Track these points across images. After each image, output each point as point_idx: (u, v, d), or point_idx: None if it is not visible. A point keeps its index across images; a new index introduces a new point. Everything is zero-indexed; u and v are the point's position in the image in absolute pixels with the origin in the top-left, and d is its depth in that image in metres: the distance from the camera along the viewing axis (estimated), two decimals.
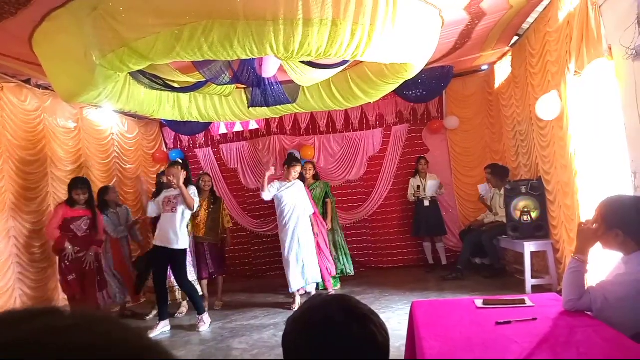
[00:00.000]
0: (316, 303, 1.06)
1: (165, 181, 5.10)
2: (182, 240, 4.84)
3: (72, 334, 0.39)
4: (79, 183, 5.01)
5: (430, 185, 6.75)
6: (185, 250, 4.95)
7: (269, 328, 4.76)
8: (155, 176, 6.45)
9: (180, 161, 5.07)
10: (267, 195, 5.44)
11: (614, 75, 3.36)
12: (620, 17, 3.17)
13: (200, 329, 4.84)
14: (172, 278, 5.11)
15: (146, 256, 5.54)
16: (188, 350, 4.30)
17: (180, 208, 4.85)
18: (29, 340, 0.37)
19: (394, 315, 4.71)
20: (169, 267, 4.94)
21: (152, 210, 5.11)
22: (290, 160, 5.77)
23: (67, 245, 4.81)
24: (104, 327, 0.42)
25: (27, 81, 5.30)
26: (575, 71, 3.92)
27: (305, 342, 0.98)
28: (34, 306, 0.44)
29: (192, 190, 4.92)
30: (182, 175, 4.79)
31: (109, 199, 5.64)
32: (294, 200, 5.51)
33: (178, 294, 5.66)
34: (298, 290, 5.52)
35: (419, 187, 6.88)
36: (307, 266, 5.45)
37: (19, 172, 5.10)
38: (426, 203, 6.80)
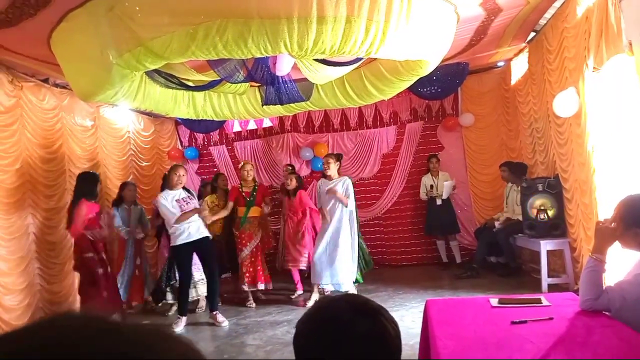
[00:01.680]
0: (325, 303, 1.06)
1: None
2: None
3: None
4: (97, 177, 5.18)
5: (446, 187, 6.68)
6: None
7: (282, 324, 4.78)
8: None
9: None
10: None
11: (635, 71, 3.29)
12: None
13: (222, 324, 4.91)
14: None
15: (169, 261, 5.54)
16: (202, 346, 4.33)
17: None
18: None
19: (408, 313, 4.69)
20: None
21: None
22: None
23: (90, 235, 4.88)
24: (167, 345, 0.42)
25: (46, 80, 5.39)
26: (593, 67, 3.85)
27: (315, 341, 0.99)
28: (89, 323, 0.41)
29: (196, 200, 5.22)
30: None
31: (125, 195, 5.71)
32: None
33: (194, 292, 5.66)
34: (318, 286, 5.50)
35: (431, 186, 6.83)
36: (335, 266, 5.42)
37: (37, 169, 5.20)
38: (438, 202, 6.75)
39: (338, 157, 5.79)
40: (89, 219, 4.85)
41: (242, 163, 5.98)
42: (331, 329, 0.98)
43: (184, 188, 5.07)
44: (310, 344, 1.00)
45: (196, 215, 4.99)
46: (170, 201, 4.90)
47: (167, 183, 5.16)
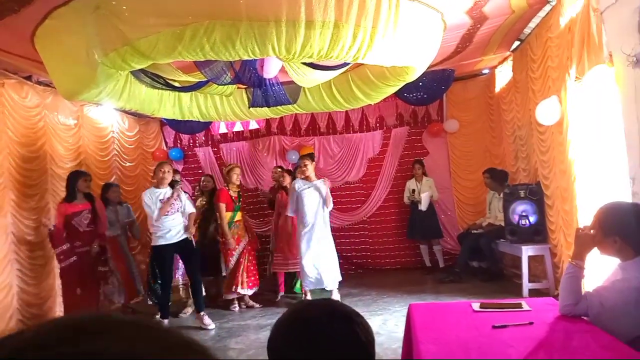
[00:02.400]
0: (299, 306, 1.07)
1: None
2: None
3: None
4: (84, 173, 5.17)
5: (423, 198, 6.71)
6: None
7: (266, 328, 4.76)
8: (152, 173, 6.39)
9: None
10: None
11: (615, 82, 3.37)
12: (622, 24, 3.18)
13: (209, 327, 4.88)
14: (177, 276, 5.27)
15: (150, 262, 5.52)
16: None
17: (181, 208, 5.04)
18: None
19: (391, 317, 4.71)
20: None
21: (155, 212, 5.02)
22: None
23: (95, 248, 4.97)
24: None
25: (28, 78, 5.30)
26: (575, 77, 3.93)
27: (288, 345, 0.99)
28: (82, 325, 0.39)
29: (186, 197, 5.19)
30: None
31: (109, 197, 5.67)
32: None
33: (182, 293, 5.61)
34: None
35: (414, 190, 6.89)
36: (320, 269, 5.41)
37: (18, 168, 5.10)
38: (422, 209, 6.78)
39: (312, 158, 5.82)
40: (65, 219, 4.89)
41: (231, 166, 5.91)
42: (303, 334, 0.98)
43: (171, 186, 5.03)
44: (283, 347, 1.00)
45: (179, 218, 4.96)
46: (154, 200, 4.88)
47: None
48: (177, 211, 4.99)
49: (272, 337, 1.03)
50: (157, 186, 4.97)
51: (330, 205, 5.55)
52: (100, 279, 5.07)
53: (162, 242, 4.87)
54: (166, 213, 4.86)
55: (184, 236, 4.99)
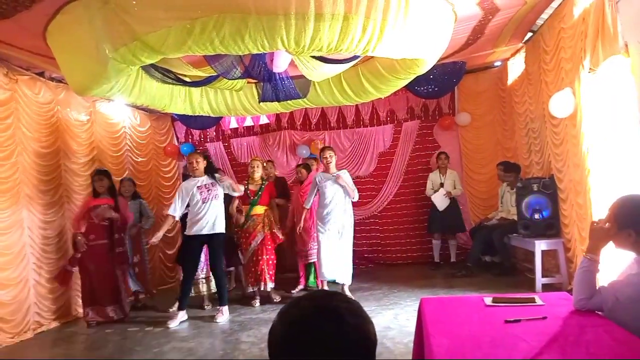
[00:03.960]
0: (294, 302, 1.06)
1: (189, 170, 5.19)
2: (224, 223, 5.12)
3: None
4: (97, 172, 5.36)
5: (437, 199, 6.66)
6: None
7: None
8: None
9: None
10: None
11: (630, 73, 3.31)
12: (637, 13, 3.11)
13: (218, 320, 4.92)
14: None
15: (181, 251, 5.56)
16: (197, 342, 4.34)
17: (221, 194, 5.08)
18: None
19: (403, 312, 4.70)
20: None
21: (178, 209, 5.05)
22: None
23: (78, 237, 5.09)
24: None
25: (41, 74, 5.36)
26: (590, 68, 3.86)
27: (282, 336, 0.99)
28: None
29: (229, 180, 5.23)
30: (203, 164, 5.08)
31: (122, 191, 5.82)
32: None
33: (202, 287, 5.59)
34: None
35: (441, 184, 6.81)
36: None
37: (32, 164, 5.17)
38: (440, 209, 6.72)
39: (333, 149, 5.80)
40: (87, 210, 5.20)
41: (251, 160, 5.91)
42: (293, 330, 0.98)
43: (209, 175, 5.07)
44: (279, 336, 1.00)
45: (214, 209, 4.98)
46: (184, 191, 5.00)
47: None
48: (215, 199, 4.99)
49: (272, 325, 1.04)
50: (194, 175, 5.07)
51: (356, 196, 5.49)
52: (115, 262, 5.23)
53: (193, 232, 4.95)
54: (202, 200, 4.94)
55: (217, 230, 5.00)
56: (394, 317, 4.55)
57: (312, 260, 5.88)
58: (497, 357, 1.70)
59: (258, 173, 5.65)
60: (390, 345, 3.80)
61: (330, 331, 0.96)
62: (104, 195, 5.26)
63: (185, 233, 5.13)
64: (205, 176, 5.08)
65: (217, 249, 5.06)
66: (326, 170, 5.49)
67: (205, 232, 4.95)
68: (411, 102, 7.55)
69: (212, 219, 4.98)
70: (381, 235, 7.61)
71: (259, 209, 5.59)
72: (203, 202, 4.95)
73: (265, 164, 6.34)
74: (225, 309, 5.07)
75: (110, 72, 3.57)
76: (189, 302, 5.18)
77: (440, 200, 6.69)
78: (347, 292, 5.34)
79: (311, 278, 5.97)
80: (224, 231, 5.09)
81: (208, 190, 4.99)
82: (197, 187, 4.99)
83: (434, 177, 6.93)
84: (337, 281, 5.44)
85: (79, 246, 5.06)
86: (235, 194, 5.25)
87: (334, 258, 5.35)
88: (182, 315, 5.01)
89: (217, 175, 5.17)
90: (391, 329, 4.21)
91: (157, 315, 5.38)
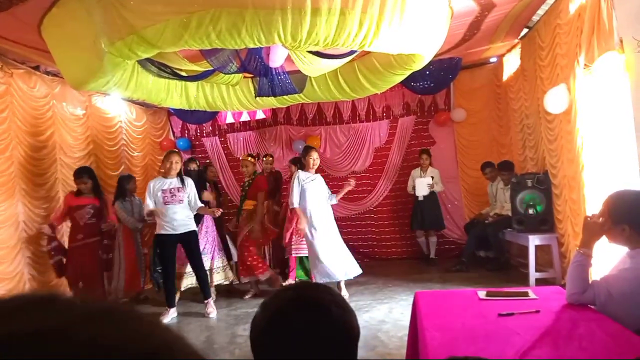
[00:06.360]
0: (278, 293, 1.07)
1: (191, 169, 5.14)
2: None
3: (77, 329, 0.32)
4: (78, 172, 5.09)
5: (419, 183, 6.70)
6: None
7: None
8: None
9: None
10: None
11: (624, 69, 3.33)
12: (633, 9, 3.13)
13: (210, 315, 4.92)
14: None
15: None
16: (192, 336, 4.35)
17: (186, 199, 4.91)
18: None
19: (397, 306, 4.73)
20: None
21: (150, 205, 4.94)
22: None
23: (44, 228, 4.92)
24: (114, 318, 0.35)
25: (36, 68, 5.33)
26: (585, 64, 3.88)
27: (264, 325, 0.99)
28: (32, 293, 0.35)
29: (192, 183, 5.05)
30: (179, 166, 4.97)
31: (130, 188, 5.68)
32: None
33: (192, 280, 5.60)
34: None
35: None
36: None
37: (28, 158, 5.15)
38: (420, 197, 6.72)
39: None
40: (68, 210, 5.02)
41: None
42: (276, 318, 0.98)
43: (180, 177, 4.95)
44: (260, 325, 1.01)
45: (183, 210, 4.86)
46: (153, 191, 4.84)
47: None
48: (179, 202, 4.84)
49: (250, 328, 1.03)
50: (165, 176, 4.90)
51: (335, 200, 5.57)
52: (102, 269, 5.14)
53: (164, 231, 4.82)
54: (169, 202, 4.81)
55: (190, 229, 4.92)
56: (388, 311, 4.58)
57: (301, 255, 5.86)
58: (491, 350, 1.72)
59: (248, 170, 5.74)
60: (384, 339, 3.83)
61: (313, 320, 0.96)
62: (85, 195, 5.03)
63: (156, 232, 4.95)
64: (176, 179, 4.90)
65: (193, 247, 4.98)
66: (308, 170, 5.43)
67: (179, 231, 4.83)
68: (407, 98, 7.56)
69: (180, 219, 4.84)
70: (376, 230, 7.63)
71: (249, 204, 5.65)
72: (165, 204, 4.81)
73: (264, 158, 6.47)
74: (211, 301, 5.07)
75: (106, 66, 3.56)
76: (185, 297, 5.19)
77: (421, 188, 6.67)
78: (343, 287, 5.33)
79: (300, 272, 5.99)
80: (195, 229, 4.99)
81: (172, 196, 4.83)
82: (162, 190, 4.82)
83: (414, 174, 6.97)
84: (351, 277, 5.33)
85: (47, 233, 4.90)
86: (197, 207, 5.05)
87: (336, 257, 5.26)
88: (173, 312, 4.99)
89: (187, 181, 4.98)
90: (386, 322, 4.24)
91: (152, 311, 5.38)
